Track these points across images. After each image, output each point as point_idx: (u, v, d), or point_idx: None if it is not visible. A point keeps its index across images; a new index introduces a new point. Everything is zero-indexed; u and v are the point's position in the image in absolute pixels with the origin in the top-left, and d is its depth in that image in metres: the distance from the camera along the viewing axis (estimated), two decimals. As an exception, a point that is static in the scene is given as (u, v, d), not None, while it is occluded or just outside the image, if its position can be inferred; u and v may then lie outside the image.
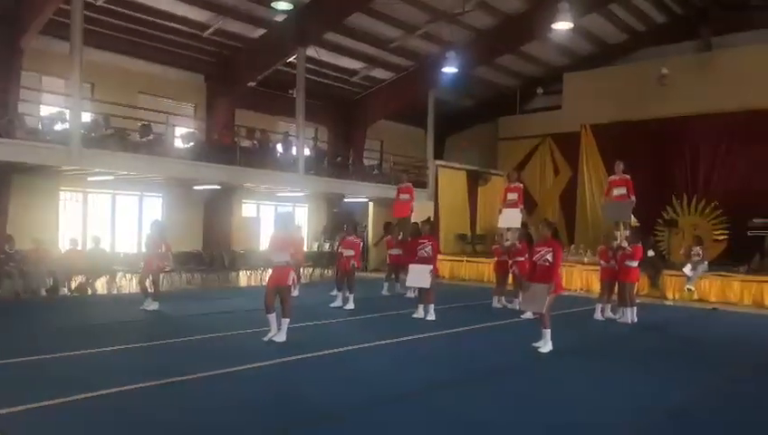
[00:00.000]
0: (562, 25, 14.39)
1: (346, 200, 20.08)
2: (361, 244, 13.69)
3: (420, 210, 15.01)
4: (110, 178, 13.94)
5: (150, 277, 10.51)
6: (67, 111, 12.60)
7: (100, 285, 13.36)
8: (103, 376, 5.91)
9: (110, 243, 15.46)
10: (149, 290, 10.46)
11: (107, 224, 15.86)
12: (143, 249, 11.73)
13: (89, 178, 14.23)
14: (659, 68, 18.08)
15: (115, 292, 13.21)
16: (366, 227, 20.46)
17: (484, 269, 17.51)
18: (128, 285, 13.72)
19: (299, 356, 7.02)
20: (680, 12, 19.09)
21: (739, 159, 17.88)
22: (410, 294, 12.31)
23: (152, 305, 10.31)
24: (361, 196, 19.45)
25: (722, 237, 17.75)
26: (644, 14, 18.90)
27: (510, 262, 12.09)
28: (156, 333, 8.34)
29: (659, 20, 19.39)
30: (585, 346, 8.67)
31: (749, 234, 15.84)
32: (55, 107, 13.49)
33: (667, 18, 19.34)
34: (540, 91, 22.44)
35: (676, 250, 17.18)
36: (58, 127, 12.70)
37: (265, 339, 7.73)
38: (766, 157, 17.34)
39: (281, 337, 7.74)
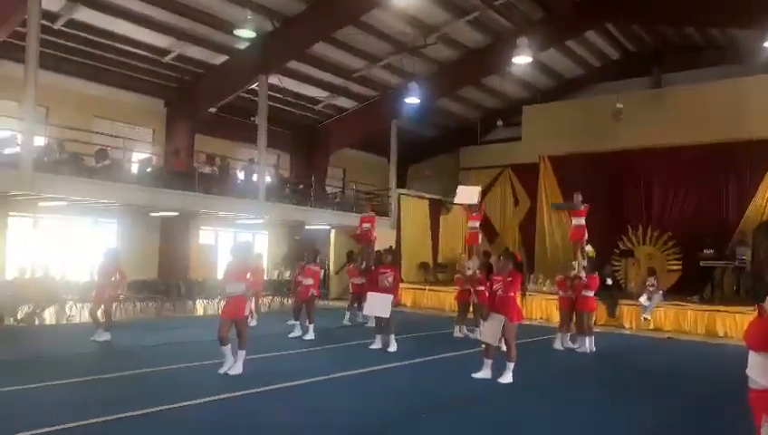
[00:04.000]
0: (522, 60, 14.75)
1: (308, 228, 19.91)
2: (321, 272, 13.56)
3: (382, 239, 14.97)
4: (63, 203, 13.51)
5: (102, 307, 10.13)
6: (19, 135, 12.22)
7: (49, 315, 12.82)
8: (47, 412, 5.60)
9: (60, 270, 14.89)
10: (101, 320, 10.07)
11: (58, 251, 15.29)
12: (95, 277, 11.32)
13: (40, 204, 13.77)
14: (614, 102, 18.65)
15: (65, 322, 12.67)
16: (327, 255, 20.29)
17: (446, 298, 17.51)
18: (78, 314, 13.20)
19: (255, 389, 6.81)
20: (633, 49, 19.83)
21: (691, 191, 18.49)
22: (371, 324, 12.18)
23: (103, 336, 9.90)
24: (323, 223, 19.32)
25: (675, 268, 18.20)
26: (599, 50, 19.57)
27: (471, 291, 12.11)
28: (106, 366, 7.97)
29: (614, 56, 20.09)
30: (546, 376, 8.68)
31: (701, 264, 16.28)
32: (7, 130, 13.07)
33: (621, 55, 20.05)
34: (500, 122, 22.86)
35: (632, 280, 17.55)
36: (9, 151, 12.28)
37: (221, 372, 7.49)
38: (716, 189, 17.99)
39: (237, 369, 7.52)
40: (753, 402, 2.37)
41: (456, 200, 13.29)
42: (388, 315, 10.01)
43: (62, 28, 13.75)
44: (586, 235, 12.50)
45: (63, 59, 14.60)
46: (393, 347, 9.91)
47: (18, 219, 14.59)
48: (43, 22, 12.38)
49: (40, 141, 13.21)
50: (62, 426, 5.15)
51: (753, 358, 2.37)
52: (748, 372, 2.40)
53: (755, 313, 2.48)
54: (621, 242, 19.07)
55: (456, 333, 12.09)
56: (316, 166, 21.17)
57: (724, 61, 18.20)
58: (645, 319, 14.18)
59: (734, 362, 3.30)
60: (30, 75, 11.68)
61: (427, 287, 18.94)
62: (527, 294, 10.77)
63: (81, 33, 14.15)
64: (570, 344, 11.09)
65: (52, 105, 14.64)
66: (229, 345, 7.56)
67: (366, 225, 13.89)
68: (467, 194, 12.96)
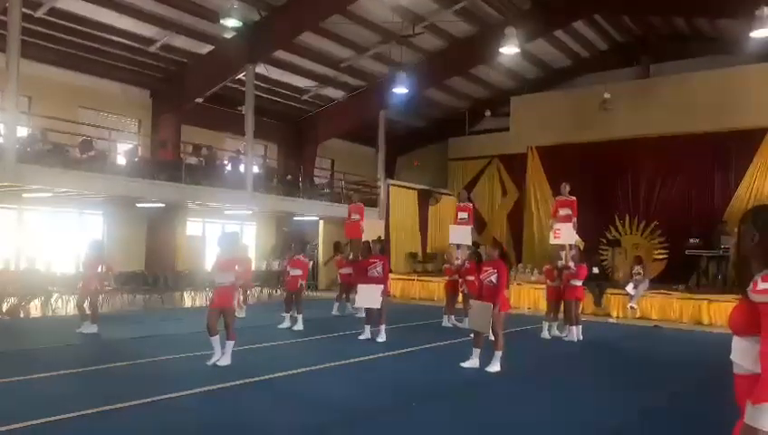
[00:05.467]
0: (509, 50, 14.73)
1: (296, 219, 19.86)
2: (310, 263, 13.55)
3: (371, 229, 14.97)
4: (48, 194, 13.35)
5: (88, 299, 10.05)
6: (1, 125, 12.04)
7: (35, 308, 12.71)
8: (33, 406, 5.55)
9: (46, 262, 14.75)
10: (87, 312, 9.99)
11: (43, 242, 15.13)
12: (81, 269, 11.23)
13: (24, 195, 13.60)
14: (602, 93, 18.71)
15: (50, 314, 12.58)
16: (316, 245, 20.26)
17: (435, 288, 17.57)
18: (64, 307, 13.10)
19: (244, 380, 6.80)
20: (621, 40, 19.86)
21: (677, 180, 18.63)
22: (361, 315, 12.19)
23: (90, 329, 9.84)
24: (312, 214, 19.27)
25: (661, 257, 18.36)
26: (587, 40, 19.57)
27: (460, 281, 12.15)
28: (93, 359, 7.93)
29: (602, 47, 20.11)
30: (532, 365, 8.74)
31: (687, 253, 16.44)
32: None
33: (609, 45, 20.08)
34: (488, 113, 22.87)
35: (619, 269, 17.69)
36: (-9, 141, 12.10)
37: (209, 363, 7.47)
38: (702, 179, 18.14)
39: (225, 360, 7.50)
40: (738, 387, 2.39)
41: (451, 241, 13.54)
42: (378, 306, 10.03)
43: (45, 16, 13.50)
44: (575, 224, 12.50)
45: (46, 48, 14.36)
46: (382, 337, 9.93)
47: (2, 211, 14.41)
48: (25, 10, 12.16)
49: (23, 132, 13.02)
50: (48, 419, 5.12)
51: (737, 343, 2.40)
52: (732, 357, 2.43)
53: (739, 300, 2.50)
54: (608, 231, 19.21)
55: (445, 323, 12.14)
56: (304, 156, 21.07)
57: (711, 51, 18.28)
58: (631, 308, 14.30)
59: (719, 349, 3.33)
60: (12, 64, 11.49)
61: (415, 277, 18.99)
62: (512, 283, 10.82)
63: (63, 22, 13.91)
64: (557, 333, 11.17)
65: (35, 95, 14.43)
66: (218, 336, 7.54)
67: (355, 215, 13.88)
68: (460, 234, 13.16)
